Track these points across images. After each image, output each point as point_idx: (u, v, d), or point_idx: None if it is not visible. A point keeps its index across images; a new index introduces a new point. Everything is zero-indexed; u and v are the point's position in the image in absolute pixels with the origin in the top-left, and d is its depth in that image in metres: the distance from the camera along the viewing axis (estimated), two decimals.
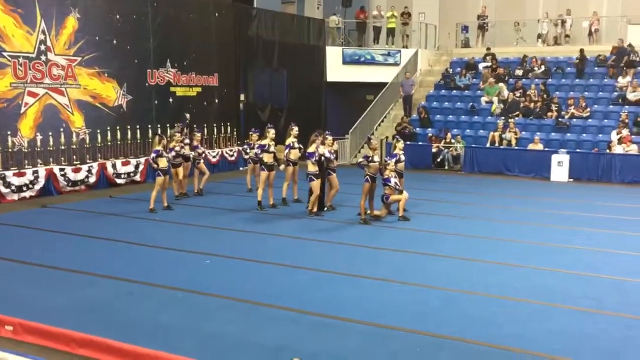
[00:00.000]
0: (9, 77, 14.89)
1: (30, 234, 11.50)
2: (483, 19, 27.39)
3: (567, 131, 21.06)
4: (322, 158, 13.12)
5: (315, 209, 13.27)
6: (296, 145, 14.05)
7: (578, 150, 19.98)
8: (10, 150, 14.77)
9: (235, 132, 21.42)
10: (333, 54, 26.21)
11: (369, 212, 12.87)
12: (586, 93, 22.40)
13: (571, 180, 19.12)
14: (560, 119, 21.33)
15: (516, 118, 21.74)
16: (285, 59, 23.85)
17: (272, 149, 13.89)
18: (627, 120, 19.99)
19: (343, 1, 27.72)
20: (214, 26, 20.74)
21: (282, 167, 14.31)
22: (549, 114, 21.76)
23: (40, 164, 15.34)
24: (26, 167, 15.02)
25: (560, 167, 19.24)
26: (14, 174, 14.63)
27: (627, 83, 21.91)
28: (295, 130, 14.13)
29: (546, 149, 20.15)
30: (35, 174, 15.03)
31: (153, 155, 13.58)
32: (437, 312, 7.54)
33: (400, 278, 8.83)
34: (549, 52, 25.58)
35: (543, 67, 24.04)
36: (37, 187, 15.06)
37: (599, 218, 13.53)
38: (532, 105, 22.16)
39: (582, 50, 23.73)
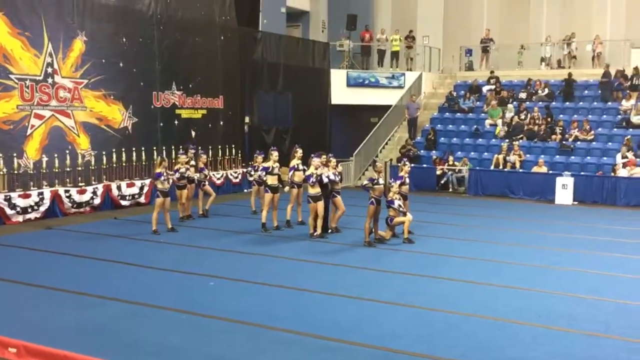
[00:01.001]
0: (15, 100, 15.02)
1: (35, 256, 11.52)
2: (486, 42, 27.56)
3: (571, 154, 21.09)
4: (326, 180, 13.14)
5: (318, 232, 13.27)
6: (300, 167, 14.08)
7: (582, 173, 19.99)
8: (15, 171, 14.86)
9: (240, 154, 21.49)
10: (337, 77, 26.37)
11: (373, 234, 12.86)
12: (590, 116, 22.45)
13: (575, 203, 19.10)
14: (564, 142, 21.37)
15: (520, 141, 21.78)
16: (290, 81, 24.00)
17: (276, 171, 13.95)
18: (631, 144, 19.99)
19: (347, 24, 27.94)
20: (220, 49, 20.91)
21: (286, 189, 14.35)
22: (553, 136, 21.81)
23: (46, 186, 15.41)
24: (31, 188, 15.09)
25: (564, 190, 19.24)
26: (19, 196, 14.69)
27: (631, 106, 21.97)
28: (299, 152, 14.18)
29: (550, 172, 20.16)
30: (41, 196, 15.10)
31: (156, 177, 13.65)
32: (440, 334, 7.51)
33: (404, 301, 8.80)
34: (552, 75, 25.70)
35: (547, 90, 24.14)
36: (42, 208, 15.12)
37: (603, 241, 13.50)
38: (536, 128, 22.22)
39: (569, 74, 23.94)
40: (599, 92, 23.52)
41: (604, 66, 24.03)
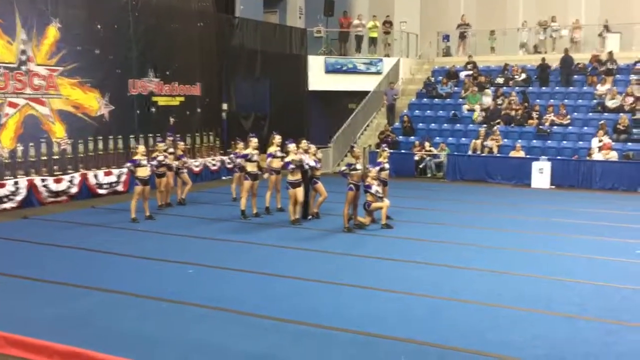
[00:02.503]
0: None
1: (12, 246, 11.41)
2: (463, 27, 27.62)
3: (547, 138, 21.27)
4: (307, 166, 13.14)
5: (297, 217, 13.28)
6: (278, 154, 14.07)
7: (559, 157, 20.19)
8: None
9: (218, 142, 21.40)
10: (315, 63, 26.30)
11: (352, 220, 12.90)
12: (566, 101, 22.65)
13: (552, 187, 19.30)
14: (541, 127, 21.55)
15: (497, 126, 21.92)
16: (267, 68, 23.90)
17: (255, 158, 13.91)
18: (606, 128, 20.22)
19: (325, 10, 27.84)
20: (197, 36, 20.75)
21: (265, 175, 14.33)
22: (530, 121, 21.98)
23: (21, 175, 15.22)
24: (7, 178, 14.90)
25: (541, 174, 19.43)
26: None
27: (606, 91, 22.18)
28: (277, 139, 14.15)
29: (527, 156, 20.34)
30: (16, 185, 14.92)
31: (129, 164, 13.58)
32: (421, 319, 7.57)
33: (384, 286, 8.86)
34: (529, 60, 25.84)
35: (524, 75, 24.29)
36: (18, 198, 14.94)
37: (579, 224, 13.66)
38: (513, 113, 22.37)
39: (543, 59, 24.12)
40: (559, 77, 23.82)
41: (563, 51, 24.24)
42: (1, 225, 13.20)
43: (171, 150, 15.39)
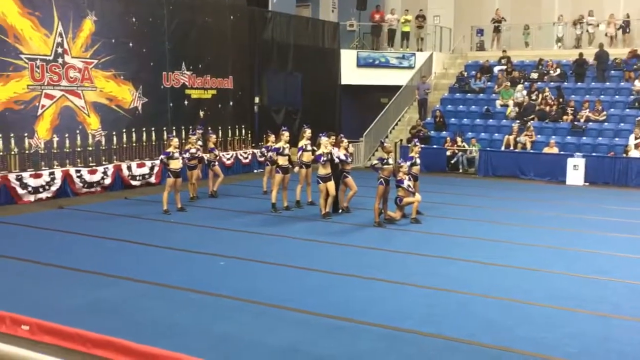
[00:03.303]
0: (26, 80, 15.04)
1: (47, 235, 11.60)
2: (497, 22, 27.27)
3: (582, 135, 20.94)
4: (337, 160, 13.13)
5: (327, 211, 13.28)
6: (309, 147, 14.06)
7: (594, 154, 19.85)
8: (27, 151, 14.91)
9: (249, 135, 21.49)
10: (347, 57, 26.23)
11: (383, 214, 12.86)
12: (602, 97, 22.26)
13: (587, 184, 19.01)
14: (576, 123, 21.21)
15: (531, 122, 21.64)
16: (299, 61, 23.90)
17: (286, 151, 13.94)
18: None
19: (358, 4, 27.72)
20: (230, 29, 20.83)
21: (295, 169, 14.35)
22: (565, 117, 21.65)
23: (57, 166, 15.47)
24: (43, 168, 15.15)
25: (575, 170, 19.14)
26: (31, 175, 14.76)
27: None
28: (308, 132, 14.14)
29: (562, 153, 20.05)
30: (52, 176, 15.16)
31: (162, 156, 13.69)
32: (450, 315, 7.51)
33: (414, 281, 8.81)
34: (565, 56, 25.43)
35: (559, 70, 23.93)
36: (54, 188, 15.19)
37: (614, 222, 13.43)
38: (547, 108, 22.05)
39: (580, 54, 23.66)
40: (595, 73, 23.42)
41: (598, 45, 23.80)
42: (37, 214, 13.45)
43: (200, 143, 15.50)
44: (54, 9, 15.56)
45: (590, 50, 24.48)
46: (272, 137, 15.31)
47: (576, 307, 7.84)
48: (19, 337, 6.65)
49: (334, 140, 13.55)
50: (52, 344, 6.50)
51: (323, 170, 13.04)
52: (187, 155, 14.35)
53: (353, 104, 27.28)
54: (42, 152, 15.29)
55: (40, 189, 14.94)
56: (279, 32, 23.08)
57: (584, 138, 20.82)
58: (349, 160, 13.76)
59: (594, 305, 7.91)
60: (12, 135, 14.63)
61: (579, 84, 23.54)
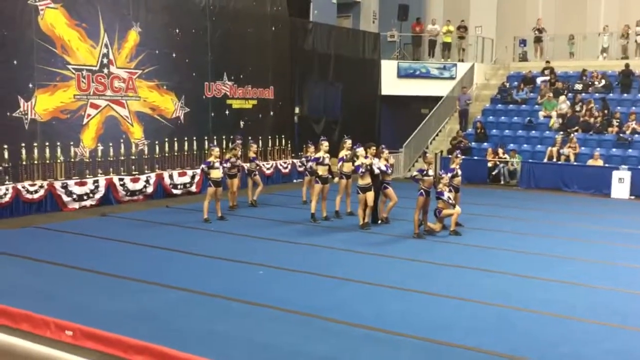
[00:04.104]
0: (72, 89, 15.38)
1: (90, 242, 11.81)
2: (539, 31, 26.91)
3: (628, 147, 20.50)
4: (377, 170, 13.10)
5: (366, 222, 13.24)
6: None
7: None
8: (72, 160, 15.24)
9: (289, 145, 21.59)
10: (388, 68, 26.18)
11: (422, 226, 12.77)
12: None
13: (632, 197, 18.59)
14: (621, 135, 20.79)
15: (575, 133, 21.29)
16: (340, 72, 23.95)
17: (326, 161, 13.96)
18: None
19: (399, 15, 27.69)
20: (271, 40, 21.00)
21: (335, 179, 14.36)
22: (610, 129, 21.24)
23: (101, 174, 15.76)
24: (87, 176, 15.45)
25: (621, 183, 18.75)
26: (76, 183, 15.07)
27: None
28: (348, 143, 14.11)
29: (606, 165, 19.66)
30: (96, 184, 15.46)
31: (203, 166, 13.84)
32: (491, 328, 7.42)
33: (453, 293, 8.73)
34: (610, 66, 24.97)
35: (604, 82, 23.50)
36: (97, 196, 15.48)
37: None
38: (592, 120, 21.67)
39: (627, 65, 23.16)
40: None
41: None
42: (81, 221, 13.71)
43: (239, 152, 15.63)
44: (101, 21, 15.90)
45: (636, 61, 23.98)
46: (311, 148, 15.39)
47: (619, 322, 7.67)
48: (62, 342, 6.77)
49: (374, 151, 13.52)
50: (95, 349, 6.60)
51: (363, 181, 13.02)
52: (227, 165, 14.49)
53: (393, 114, 27.20)
54: (87, 160, 15.60)
55: (85, 197, 15.23)
56: (319, 42, 23.19)
57: (630, 150, 20.38)
58: (390, 171, 13.73)
59: (638, 322, 7.72)
60: (58, 143, 14.97)
61: (625, 95, 23.08)
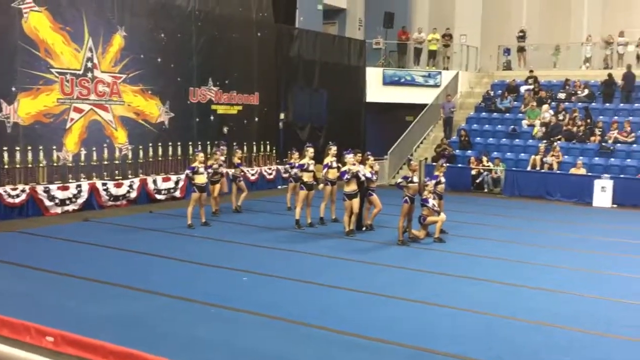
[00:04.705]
0: (56, 93, 15.26)
1: (73, 247, 11.71)
2: (522, 38, 27.11)
3: (610, 156, 20.68)
4: (362, 177, 13.10)
5: (351, 229, 13.24)
6: (335, 164, 14.06)
7: (622, 175, 19.58)
8: (55, 164, 15.10)
9: (274, 151, 21.55)
10: (373, 75, 26.26)
11: (407, 233, 12.79)
12: (631, 118, 21.99)
13: (615, 206, 18.74)
14: (603, 144, 20.97)
15: (558, 142, 21.44)
16: (325, 79, 23.98)
17: (311, 167, 13.94)
18: None
19: (384, 22, 27.79)
20: (256, 46, 20.98)
21: (320, 186, 14.35)
22: (592, 138, 21.42)
23: (84, 179, 15.64)
24: (70, 181, 15.32)
25: (603, 192, 18.89)
26: (58, 188, 14.93)
27: None
28: (333, 149, 14.14)
29: (589, 174, 19.81)
30: (79, 188, 15.33)
31: (188, 171, 13.80)
32: (475, 336, 7.42)
33: (437, 301, 8.73)
34: (592, 76, 25.21)
35: (587, 91, 23.71)
36: (80, 200, 15.34)
37: None
38: (574, 129, 21.85)
39: (609, 75, 23.40)
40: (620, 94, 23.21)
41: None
42: (63, 226, 13.58)
43: (222, 158, 15.60)
44: (85, 24, 15.80)
45: (619, 72, 24.23)
46: (296, 155, 15.35)
47: (602, 330, 7.70)
48: (43, 348, 6.69)
49: (360, 158, 13.53)
50: (76, 355, 6.52)
51: (349, 188, 13.02)
52: (210, 170, 14.42)
53: (378, 121, 27.26)
54: (70, 164, 15.47)
55: (67, 201, 15.10)
56: (305, 49, 23.20)
57: (612, 159, 20.56)
58: (375, 178, 13.73)
59: (620, 329, 7.76)
60: (40, 147, 14.84)
61: (607, 104, 23.30)
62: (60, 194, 14.94)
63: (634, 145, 20.85)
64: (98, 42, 16.10)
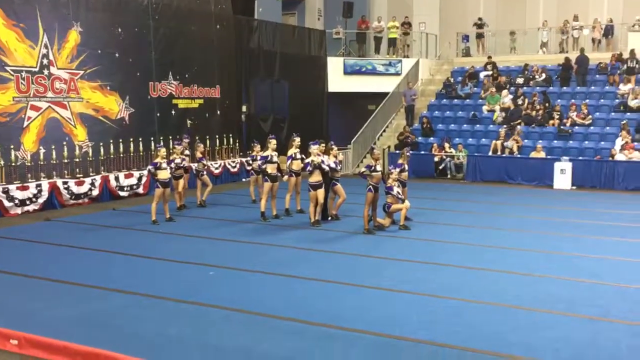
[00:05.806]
0: (11, 92, 14.96)
1: (34, 248, 11.52)
2: (479, 26, 27.43)
3: (569, 139, 21.07)
4: (326, 168, 13.12)
5: (317, 219, 13.27)
6: (298, 156, 14.08)
7: (580, 157, 19.98)
8: (13, 164, 14.81)
9: (237, 144, 21.46)
10: (334, 65, 26.30)
11: (372, 221, 12.86)
12: (588, 100, 22.41)
13: (574, 187, 19.11)
14: (562, 127, 21.35)
15: (518, 126, 21.76)
16: (286, 69, 23.93)
17: (274, 159, 13.91)
18: (628, 128, 19.97)
19: (344, 12, 27.82)
20: (216, 38, 20.83)
21: (285, 177, 14.34)
22: (551, 121, 21.78)
23: (44, 178, 15.37)
24: (29, 180, 15.04)
25: (563, 174, 19.25)
26: (18, 188, 14.65)
27: (628, 90, 21.92)
28: (297, 141, 14.15)
29: (548, 157, 20.16)
30: (39, 188, 15.06)
31: (150, 167, 13.66)
32: (442, 321, 7.51)
33: (405, 288, 8.81)
34: (549, 60, 25.62)
35: (544, 75, 24.09)
36: (41, 200, 15.08)
37: (602, 225, 13.51)
38: (533, 113, 22.19)
39: (566, 59, 23.82)
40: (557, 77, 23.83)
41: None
42: (23, 227, 13.34)
43: (187, 152, 15.47)
44: (39, 21, 15.49)
45: (575, 55, 24.65)
46: (257, 147, 15.22)
47: (565, 310, 7.87)
48: (7, 351, 6.59)
49: (323, 148, 13.56)
50: (41, 357, 6.45)
51: (313, 178, 13.03)
52: (172, 165, 14.28)
53: (340, 111, 27.33)
54: (29, 164, 15.19)
55: (27, 202, 14.83)
56: (265, 40, 23.10)
57: (571, 142, 20.96)
58: (339, 167, 13.78)
59: (583, 309, 7.94)
60: None
61: (565, 88, 23.70)
62: (20, 194, 14.67)
63: (591, 128, 21.28)
64: (53, 39, 15.81)
